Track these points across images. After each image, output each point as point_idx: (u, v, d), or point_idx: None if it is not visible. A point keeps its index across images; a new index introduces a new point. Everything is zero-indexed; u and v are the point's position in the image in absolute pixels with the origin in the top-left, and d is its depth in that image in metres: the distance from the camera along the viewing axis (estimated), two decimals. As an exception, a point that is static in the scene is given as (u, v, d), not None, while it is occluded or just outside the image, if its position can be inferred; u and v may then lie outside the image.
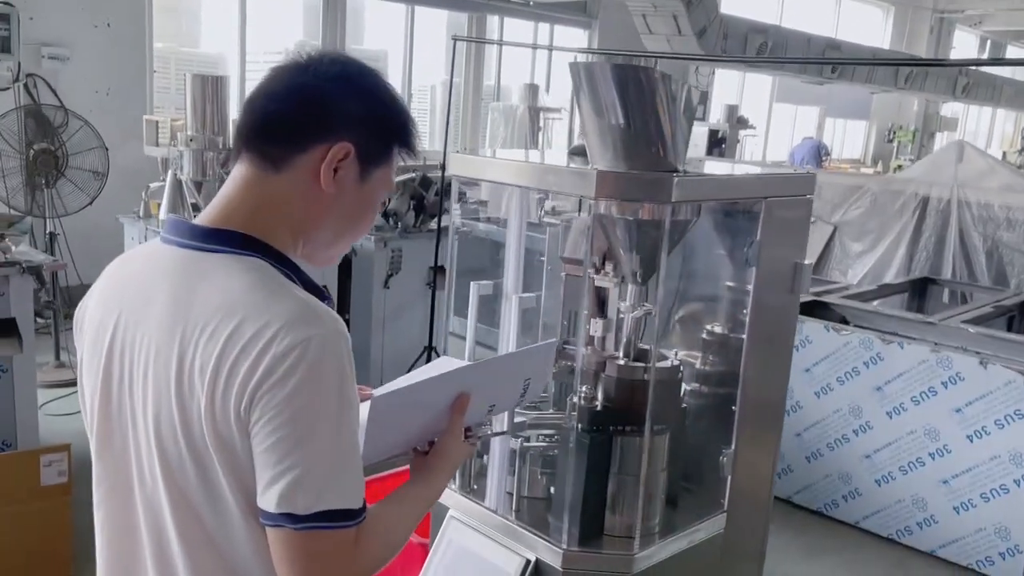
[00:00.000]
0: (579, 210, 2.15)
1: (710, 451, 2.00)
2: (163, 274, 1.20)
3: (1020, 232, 5.97)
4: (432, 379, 1.40)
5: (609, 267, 2.03)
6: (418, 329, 5.40)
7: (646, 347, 1.91)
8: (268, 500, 1.07)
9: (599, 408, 1.81)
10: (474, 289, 1.90)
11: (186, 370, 1.11)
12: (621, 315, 2.05)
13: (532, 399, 1.57)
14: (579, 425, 1.78)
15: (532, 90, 8.75)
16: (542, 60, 10.62)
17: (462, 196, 7.30)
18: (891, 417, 4.03)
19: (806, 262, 1.96)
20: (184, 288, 1.16)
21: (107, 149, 5.35)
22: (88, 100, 6.35)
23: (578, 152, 2.08)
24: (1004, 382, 3.65)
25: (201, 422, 1.10)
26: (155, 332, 1.16)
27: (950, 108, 17.40)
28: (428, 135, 8.89)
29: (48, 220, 5.46)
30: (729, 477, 1.95)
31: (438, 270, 5.42)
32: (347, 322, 5.54)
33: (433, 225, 5.38)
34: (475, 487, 2.01)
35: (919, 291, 5.80)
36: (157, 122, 5.53)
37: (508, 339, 1.91)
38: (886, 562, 3.97)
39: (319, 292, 1.21)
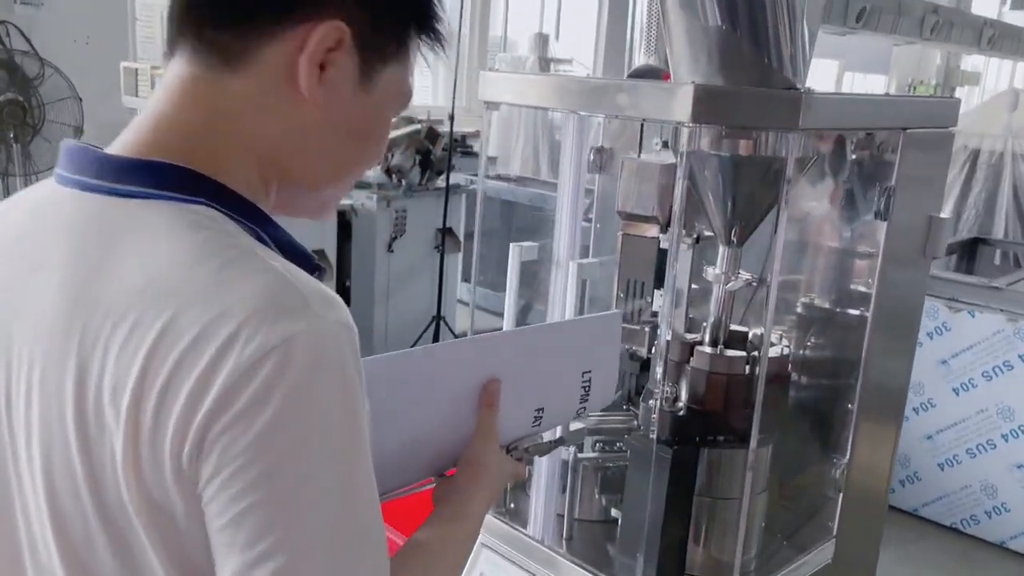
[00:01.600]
0: (639, 149, 1.69)
1: (815, 460, 1.56)
2: (55, 234, 0.75)
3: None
4: (442, 347, 0.97)
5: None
6: (425, 297, 4.96)
7: (739, 329, 1.46)
8: None
9: (683, 412, 1.36)
10: (515, 253, 1.44)
11: (90, 393, 0.69)
12: (695, 287, 1.61)
13: (598, 407, 1.13)
14: (656, 434, 1.33)
15: (541, 39, 8.22)
16: (551, 7, 10.06)
17: (468, 151, 6.85)
18: (958, 394, 3.60)
19: (943, 216, 1.50)
20: (87, 258, 0.72)
21: (80, 100, 4.86)
22: (65, 50, 5.82)
23: (642, 74, 1.61)
24: (1096, 356, 3.21)
25: (118, 476, 0.67)
26: (41, 330, 0.72)
27: (971, 62, 16.75)
28: (432, 88, 8.37)
29: (20, 179, 5.00)
30: (841, 495, 1.50)
31: (446, 232, 4.97)
32: (346, 291, 5.17)
33: (440, 183, 4.91)
34: (512, 506, 1.57)
35: (968, 252, 5.33)
36: (136, 69, 5.04)
37: (563, 318, 1.45)
38: (949, 554, 3.57)
39: (305, 260, 0.77)
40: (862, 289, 1.51)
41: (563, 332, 1.12)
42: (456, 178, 5.19)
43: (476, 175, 6.03)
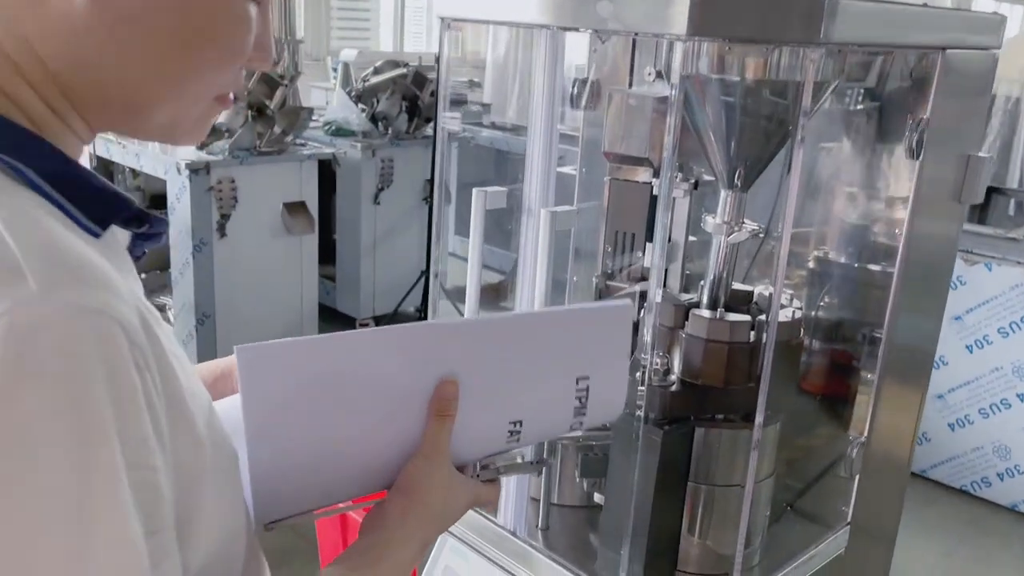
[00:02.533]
0: (630, 80, 1.47)
1: (828, 438, 1.36)
2: None
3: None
4: (382, 332, 0.74)
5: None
6: (414, 251, 4.75)
7: (742, 288, 1.26)
8: None
9: (675, 387, 1.16)
10: (479, 200, 1.23)
11: None
12: (693, 239, 1.40)
13: (598, 421, 0.88)
14: (644, 412, 1.13)
15: (539, -18, 7.88)
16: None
17: (459, 98, 6.55)
18: (971, 351, 3.41)
19: (983, 155, 1.28)
20: None
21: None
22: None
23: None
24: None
25: None
26: None
27: (983, 4, 16.28)
28: (425, 34, 8.06)
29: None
30: (858, 476, 1.31)
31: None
32: (331, 246, 4.95)
33: (429, 131, 4.67)
34: (483, 490, 1.38)
35: (982, 202, 5.09)
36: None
37: (533, 279, 1.24)
38: (959, 519, 3.41)
39: (108, 202, 0.56)
40: (887, 240, 1.30)
41: (550, 324, 0.85)
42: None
43: (470, 123, 5.77)
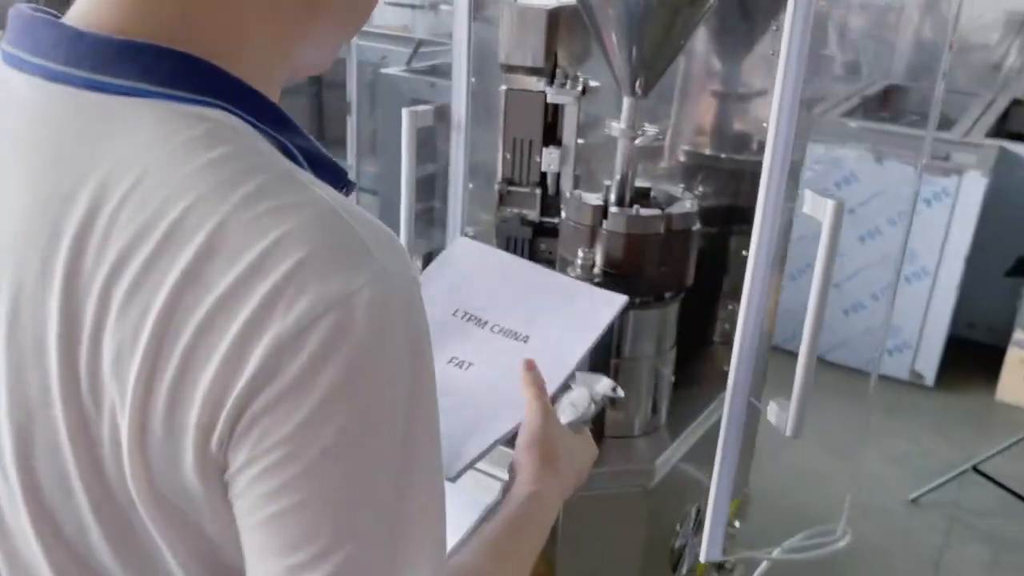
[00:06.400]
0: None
1: (712, 309, 1.57)
2: (13, 138, 0.56)
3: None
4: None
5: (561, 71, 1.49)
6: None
7: (642, 186, 1.40)
8: None
9: (598, 279, 1.30)
10: (408, 119, 1.27)
11: (82, 354, 0.52)
12: (583, 142, 1.53)
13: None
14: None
15: None
16: None
17: None
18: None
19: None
20: (64, 172, 0.53)
21: None
22: None
23: None
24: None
25: (122, 464, 0.53)
26: (9, 264, 0.54)
27: None
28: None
29: None
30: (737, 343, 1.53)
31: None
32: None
33: None
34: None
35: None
36: None
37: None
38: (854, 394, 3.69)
39: (336, 174, 0.60)
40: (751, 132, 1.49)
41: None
42: None
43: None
